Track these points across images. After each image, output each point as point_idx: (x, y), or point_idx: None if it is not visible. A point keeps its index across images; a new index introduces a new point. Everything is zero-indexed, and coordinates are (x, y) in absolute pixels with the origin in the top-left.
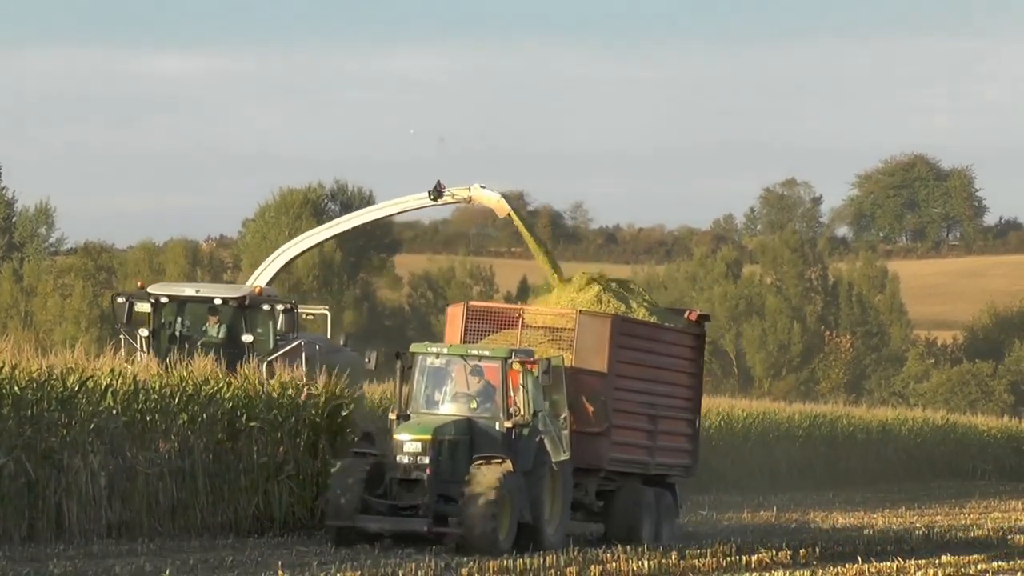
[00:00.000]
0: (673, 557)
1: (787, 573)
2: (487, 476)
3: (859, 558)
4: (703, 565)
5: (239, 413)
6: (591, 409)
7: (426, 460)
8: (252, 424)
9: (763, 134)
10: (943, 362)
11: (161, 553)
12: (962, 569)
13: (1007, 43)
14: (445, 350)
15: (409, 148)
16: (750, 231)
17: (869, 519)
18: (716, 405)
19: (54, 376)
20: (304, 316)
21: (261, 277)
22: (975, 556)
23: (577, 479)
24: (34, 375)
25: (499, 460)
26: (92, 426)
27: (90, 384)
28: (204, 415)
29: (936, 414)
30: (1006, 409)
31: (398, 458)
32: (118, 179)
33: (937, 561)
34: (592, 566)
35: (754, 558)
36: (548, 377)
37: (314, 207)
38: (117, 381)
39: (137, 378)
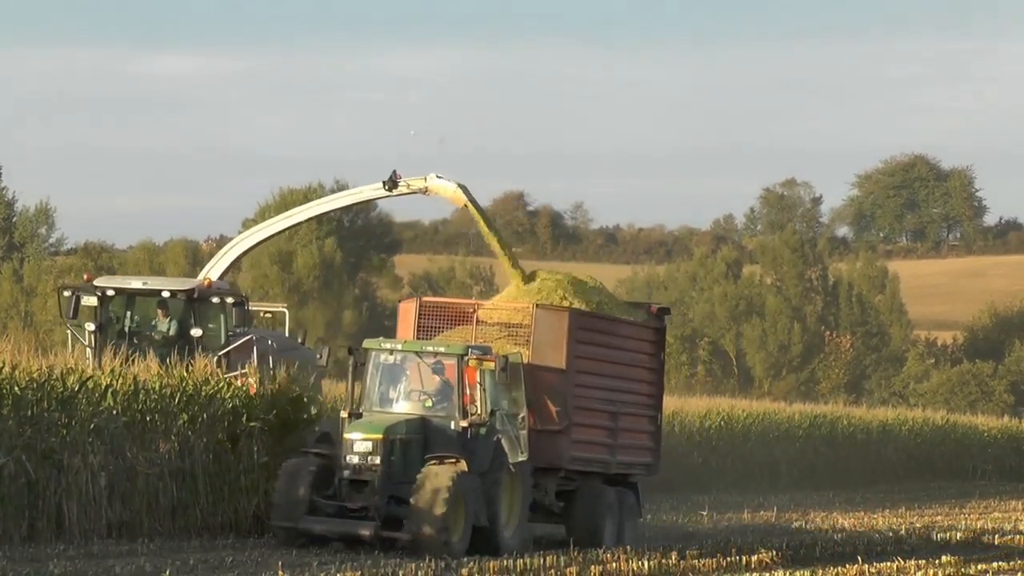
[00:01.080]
0: (673, 557)
1: (787, 573)
2: (439, 477)
3: (859, 558)
4: (703, 565)
5: (240, 413)
6: (550, 407)
7: (376, 460)
8: (252, 424)
9: (763, 134)
10: (943, 362)
11: (161, 553)
12: (962, 569)
13: (1007, 43)
14: (399, 346)
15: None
16: (750, 231)
17: (869, 519)
18: (716, 405)
19: (54, 376)
20: (262, 314)
21: (213, 270)
22: (975, 556)
23: (536, 479)
24: (34, 375)
25: (453, 460)
26: (92, 426)
27: (90, 384)
28: (204, 415)
29: (936, 414)
30: (1006, 409)
31: (347, 458)
32: (118, 179)
33: (937, 561)
34: (592, 566)
35: (754, 558)
36: (506, 374)
37: None
38: (117, 381)
39: (137, 378)
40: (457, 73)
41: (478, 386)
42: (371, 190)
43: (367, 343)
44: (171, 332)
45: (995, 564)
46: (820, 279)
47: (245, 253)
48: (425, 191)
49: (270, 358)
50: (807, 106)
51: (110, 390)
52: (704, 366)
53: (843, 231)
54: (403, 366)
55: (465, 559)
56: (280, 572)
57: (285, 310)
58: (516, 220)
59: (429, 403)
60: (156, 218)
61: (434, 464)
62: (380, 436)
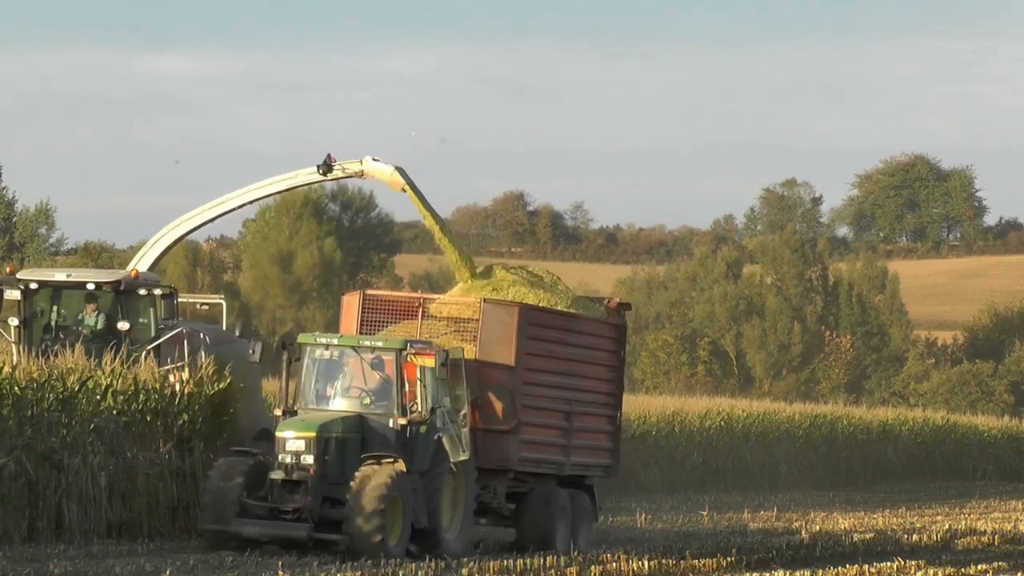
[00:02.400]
0: (673, 557)
1: (787, 573)
2: (376, 477)
3: (859, 559)
4: (703, 566)
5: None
6: (497, 405)
7: (310, 460)
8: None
9: (763, 134)
10: (943, 362)
11: (161, 553)
12: (962, 570)
13: (1007, 43)
14: (335, 341)
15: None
16: (750, 231)
17: (869, 519)
18: (716, 405)
19: (54, 376)
20: (199, 306)
21: (142, 260)
22: (975, 556)
23: (485, 480)
24: (34, 375)
25: (390, 460)
26: (92, 426)
27: (90, 384)
28: (204, 415)
29: (936, 414)
30: (1006, 409)
31: (280, 457)
32: (118, 179)
33: (937, 561)
34: (592, 566)
35: (754, 558)
36: (446, 370)
37: (314, 207)
38: (117, 381)
39: (137, 378)
40: (457, 73)
41: (418, 382)
42: (305, 174)
43: (302, 337)
44: (98, 326)
45: (995, 564)
46: (820, 279)
47: (176, 243)
48: (361, 174)
49: (202, 352)
50: (807, 106)
51: (110, 390)
52: (704, 366)
53: (843, 231)
54: (341, 362)
55: (465, 559)
56: (280, 572)
57: (222, 301)
58: (516, 220)
59: (367, 400)
60: (156, 218)
61: (370, 464)
62: (313, 434)
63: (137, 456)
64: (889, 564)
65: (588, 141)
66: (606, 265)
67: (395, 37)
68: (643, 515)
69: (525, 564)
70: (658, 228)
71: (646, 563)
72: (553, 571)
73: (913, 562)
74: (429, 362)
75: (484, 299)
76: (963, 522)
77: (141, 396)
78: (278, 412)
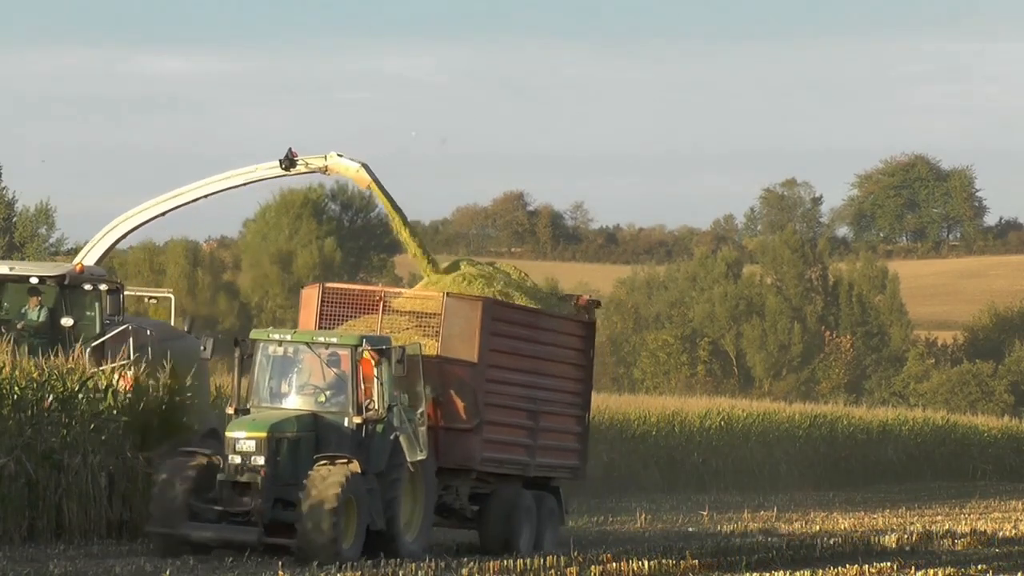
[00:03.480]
0: (673, 557)
1: (787, 573)
2: (329, 478)
3: (859, 558)
4: (702, 565)
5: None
6: (459, 403)
7: (260, 460)
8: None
9: (763, 134)
10: (943, 362)
11: (161, 553)
12: (962, 570)
13: (1007, 43)
14: (288, 336)
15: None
16: (750, 231)
17: (869, 519)
18: (716, 405)
19: (54, 376)
20: (147, 300)
21: (90, 254)
22: (975, 556)
23: (446, 481)
24: (34, 375)
25: (344, 460)
26: (92, 426)
27: (90, 384)
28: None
29: (936, 414)
30: (1006, 409)
31: (230, 458)
32: (118, 179)
33: (937, 561)
34: (592, 566)
35: (754, 557)
36: (403, 367)
37: (314, 207)
38: (117, 381)
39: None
40: (457, 73)
41: (375, 380)
42: (266, 169)
43: (254, 333)
44: (40, 320)
45: (995, 564)
46: (820, 279)
47: (125, 236)
48: (325, 170)
49: (149, 349)
50: (807, 106)
51: (110, 390)
52: (704, 366)
53: (843, 231)
54: (296, 358)
55: (465, 559)
56: (280, 572)
57: (171, 296)
58: (516, 220)
59: (322, 398)
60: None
61: (324, 464)
62: (264, 434)
63: (137, 456)
64: (889, 564)
65: (588, 141)
66: (606, 265)
67: (395, 37)
68: (643, 515)
69: (525, 564)
70: (658, 228)
71: (646, 563)
72: (553, 571)
73: (913, 562)
74: (379, 358)
75: (447, 293)
76: (963, 522)
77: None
78: (230, 410)
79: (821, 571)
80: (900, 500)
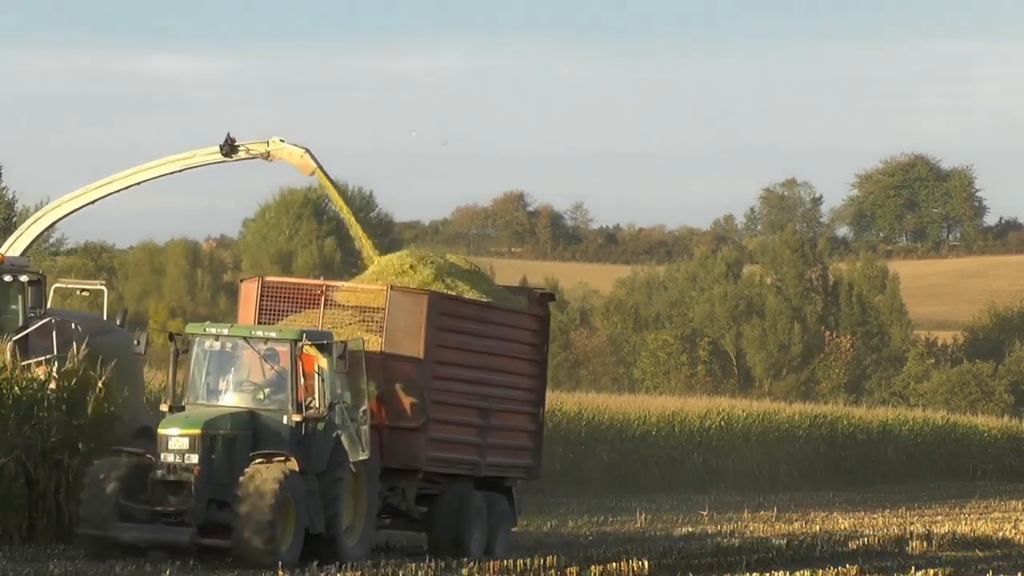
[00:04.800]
0: (674, 556)
1: (787, 573)
2: (265, 478)
3: (860, 559)
4: (702, 565)
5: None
6: (405, 401)
7: (194, 459)
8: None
9: (763, 134)
10: (943, 362)
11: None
12: (961, 570)
13: (1007, 43)
14: (225, 331)
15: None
16: (750, 231)
17: (869, 519)
18: (716, 405)
19: (54, 376)
20: (79, 292)
21: (15, 244)
22: (975, 555)
23: (392, 481)
24: (34, 375)
25: (281, 458)
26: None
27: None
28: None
29: (936, 414)
30: (1006, 409)
31: (163, 456)
32: None
33: (937, 560)
34: (592, 566)
35: (754, 557)
36: (344, 363)
37: (314, 207)
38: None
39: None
40: (457, 73)
41: (316, 376)
42: (205, 155)
43: (190, 327)
44: None
45: (995, 564)
46: (820, 279)
47: (52, 225)
48: (267, 156)
49: (74, 343)
50: (807, 106)
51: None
52: (704, 366)
53: (843, 231)
54: (234, 354)
55: (464, 559)
56: (280, 572)
57: (103, 288)
58: (516, 220)
59: (262, 395)
60: (156, 218)
61: (260, 463)
62: (198, 432)
63: None
64: (889, 564)
65: (588, 141)
66: (606, 265)
67: (395, 37)
68: (643, 515)
69: (525, 564)
70: (658, 228)
71: (646, 563)
72: (553, 571)
73: (914, 562)
74: (317, 353)
75: (391, 287)
76: (963, 522)
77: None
78: (164, 407)
79: (821, 571)
80: (900, 500)
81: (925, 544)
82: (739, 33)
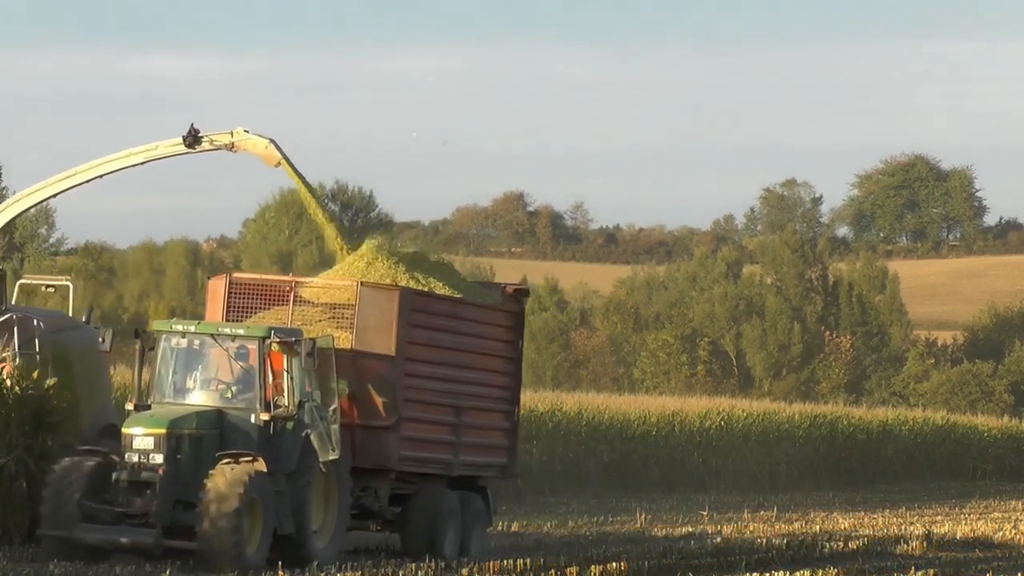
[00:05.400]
0: (674, 556)
1: (787, 573)
2: (231, 478)
3: (860, 559)
4: (702, 565)
5: None
6: (376, 399)
7: (159, 459)
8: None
9: (763, 134)
10: (943, 362)
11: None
12: (962, 570)
13: (1007, 43)
14: (192, 328)
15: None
16: (750, 231)
17: (869, 519)
18: (716, 405)
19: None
20: (44, 288)
21: None
22: (975, 555)
23: (364, 481)
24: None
25: (249, 459)
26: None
27: None
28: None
29: (936, 414)
30: (1006, 409)
31: (127, 456)
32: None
33: (937, 560)
34: (592, 566)
35: (754, 557)
36: (313, 360)
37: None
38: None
39: None
40: (457, 73)
41: (285, 374)
42: (168, 146)
43: (156, 324)
44: None
45: (995, 564)
46: (820, 279)
47: (13, 220)
48: (232, 147)
49: (37, 340)
50: (807, 106)
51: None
52: (704, 366)
53: (843, 231)
54: (201, 351)
55: (464, 559)
56: (280, 572)
57: (69, 284)
58: (516, 220)
59: (230, 394)
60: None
61: (227, 463)
62: (163, 431)
63: None
64: (889, 564)
65: (588, 141)
66: (606, 265)
67: (395, 37)
68: (643, 515)
69: (525, 564)
70: (658, 228)
71: (646, 563)
72: (553, 571)
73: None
74: (287, 350)
75: (361, 282)
76: (963, 522)
77: None
78: (130, 406)
79: (822, 571)
80: (900, 500)
81: (925, 544)
82: (739, 33)
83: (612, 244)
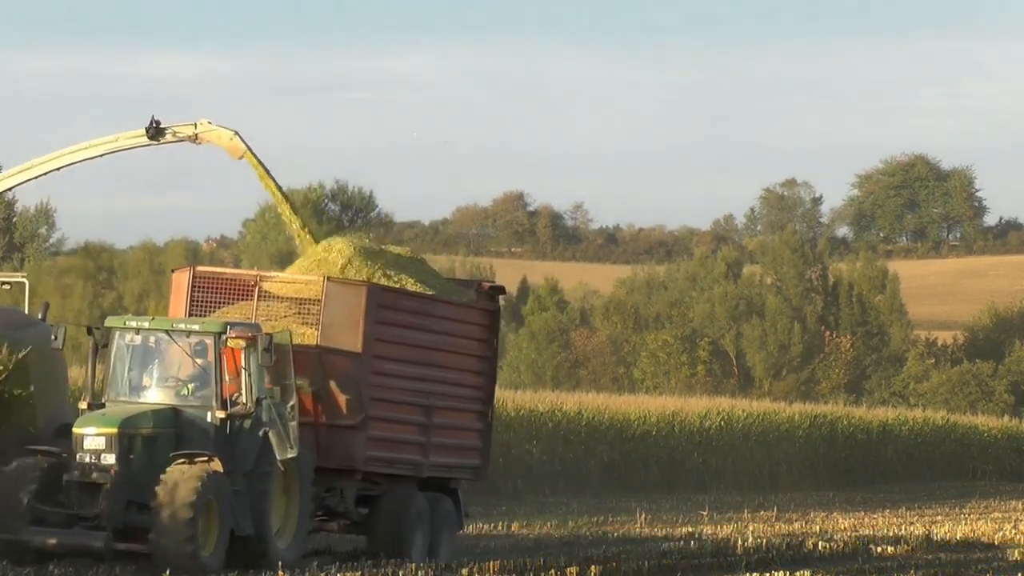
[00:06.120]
0: (674, 556)
1: (787, 573)
2: (185, 478)
3: (859, 558)
4: (702, 565)
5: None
6: (342, 397)
7: (111, 459)
8: None
9: (763, 134)
10: (943, 362)
11: None
12: (962, 570)
13: (1007, 43)
14: (146, 324)
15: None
16: (750, 231)
17: (869, 519)
18: (716, 405)
19: None
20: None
21: None
22: (975, 555)
23: (329, 482)
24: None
25: (204, 458)
26: None
27: None
28: None
29: (936, 414)
30: (1006, 409)
31: (79, 457)
32: (118, 179)
33: (938, 560)
34: (592, 567)
35: (754, 557)
36: (270, 356)
37: (314, 207)
38: None
39: None
40: (457, 73)
41: (243, 371)
42: (128, 138)
43: (110, 320)
44: None
45: (995, 564)
46: (820, 279)
47: None
48: (195, 138)
49: None
50: (807, 106)
51: None
52: (704, 366)
53: (843, 231)
54: (157, 348)
55: (465, 559)
56: (280, 572)
57: (24, 280)
58: (516, 220)
59: (186, 391)
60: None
61: (181, 463)
62: (115, 430)
63: None
64: (889, 563)
65: (588, 141)
66: (606, 265)
67: (395, 37)
68: (643, 515)
69: (525, 564)
70: (658, 228)
71: (646, 563)
72: (553, 571)
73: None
74: (240, 344)
75: (327, 277)
76: (963, 522)
77: None
78: (83, 405)
79: (823, 571)
80: (900, 500)
81: (925, 544)
82: (739, 33)
83: (612, 244)
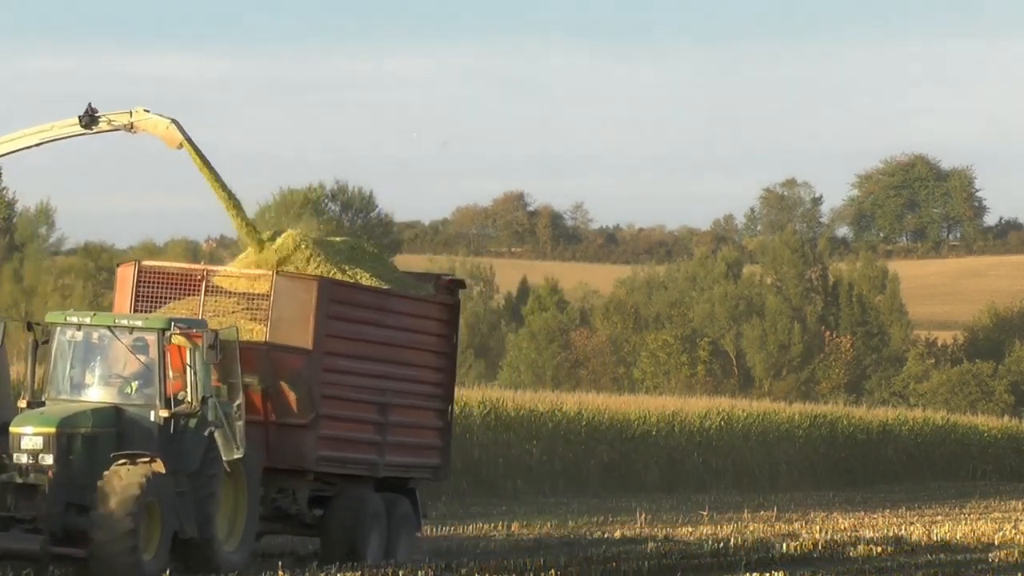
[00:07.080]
0: (674, 556)
1: (787, 573)
2: (126, 480)
3: (859, 559)
4: (702, 565)
5: None
6: (292, 395)
7: (49, 459)
8: None
9: (763, 134)
10: (943, 362)
11: None
12: (962, 570)
13: (1007, 43)
14: (88, 319)
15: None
16: (750, 231)
17: (869, 519)
18: (716, 405)
19: None
20: None
21: None
22: (975, 556)
23: (280, 483)
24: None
25: (146, 459)
26: None
27: None
28: None
29: (936, 414)
30: (1006, 409)
31: (16, 457)
32: (118, 179)
33: (937, 560)
34: (592, 567)
35: (754, 557)
36: (216, 353)
37: (314, 207)
38: None
39: None
40: (457, 73)
41: (188, 369)
42: (63, 126)
43: (50, 316)
44: None
45: (995, 564)
46: (820, 279)
47: None
48: (131, 127)
49: None
50: (807, 106)
51: None
52: (704, 366)
53: (843, 231)
54: (99, 345)
55: (465, 559)
56: (280, 572)
57: None
58: (516, 220)
59: (129, 389)
60: (156, 218)
61: (122, 464)
62: (53, 430)
63: None
64: (889, 563)
65: (588, 141)
66: (606, 265)
67: (395, 37)
68: (643, 515)
69: (525, 564)
70: (658, 228)
71: (646, 563)
72: (553, 571)
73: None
74: (183, 342)
75: (277, 272)
76: (963, 522)
77: None
78: (22, 403)
79: (822, 571)
80: (900, 500)
81: (925, 544)
82: (739, 33)
83: (612, 244)
